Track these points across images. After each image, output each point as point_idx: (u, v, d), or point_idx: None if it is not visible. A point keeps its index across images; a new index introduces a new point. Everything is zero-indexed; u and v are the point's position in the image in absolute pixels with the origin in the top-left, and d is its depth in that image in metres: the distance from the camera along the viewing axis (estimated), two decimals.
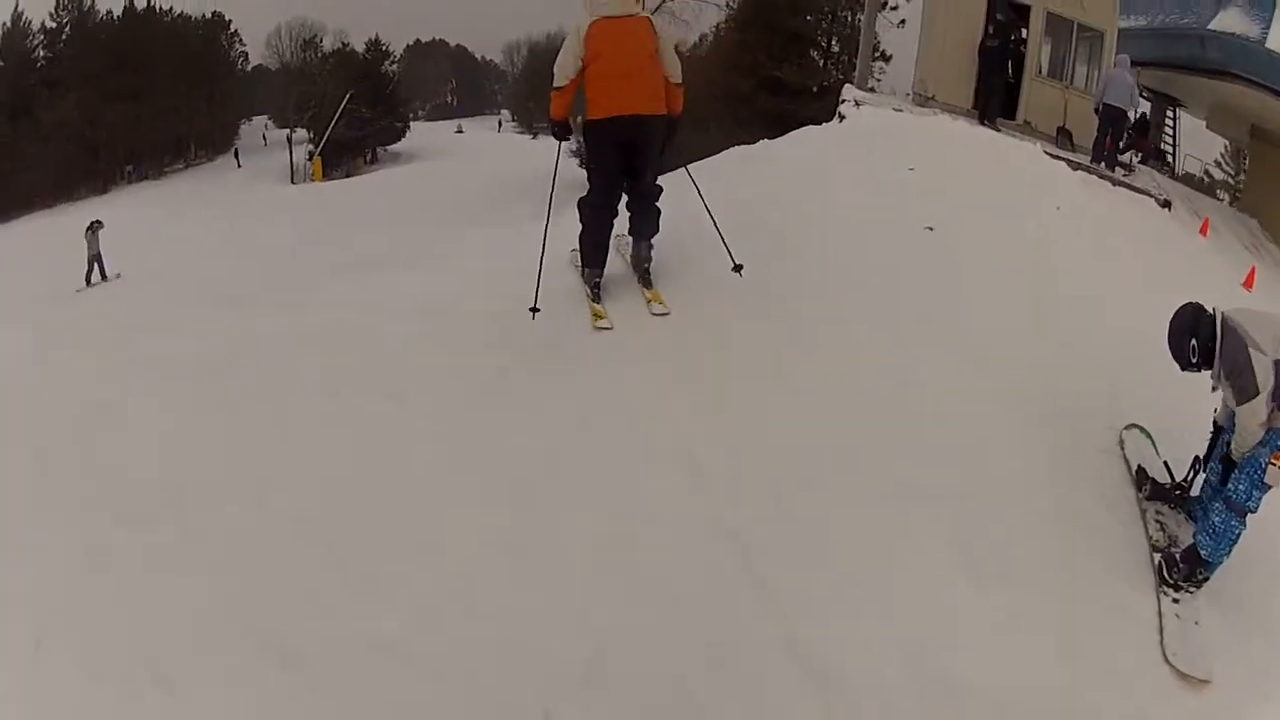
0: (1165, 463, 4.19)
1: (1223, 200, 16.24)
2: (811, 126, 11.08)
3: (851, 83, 17.56)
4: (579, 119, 4.82)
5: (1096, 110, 11.03)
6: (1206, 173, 22.16)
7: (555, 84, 4.62)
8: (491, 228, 12.00)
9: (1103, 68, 12.14)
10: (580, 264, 5.06)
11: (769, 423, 4.29)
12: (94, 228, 15.53)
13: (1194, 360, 3.73)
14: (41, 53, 32.22)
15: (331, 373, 5.01)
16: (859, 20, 20.74)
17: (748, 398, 4.42)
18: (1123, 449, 4.28)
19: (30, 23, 32.13)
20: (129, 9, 33.10)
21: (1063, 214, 7.73)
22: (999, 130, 10.98)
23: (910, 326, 5.05)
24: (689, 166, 5.50)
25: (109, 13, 32.75)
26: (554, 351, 4.72)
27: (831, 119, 15.30)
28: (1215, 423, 3.94)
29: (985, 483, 4.01)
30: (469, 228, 13.62)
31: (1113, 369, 4.82)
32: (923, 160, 7.86)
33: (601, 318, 4.81)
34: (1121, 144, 10.99)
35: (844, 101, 11.16)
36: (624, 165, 4.67)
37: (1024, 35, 11.94)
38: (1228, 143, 19.89)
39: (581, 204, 4.89)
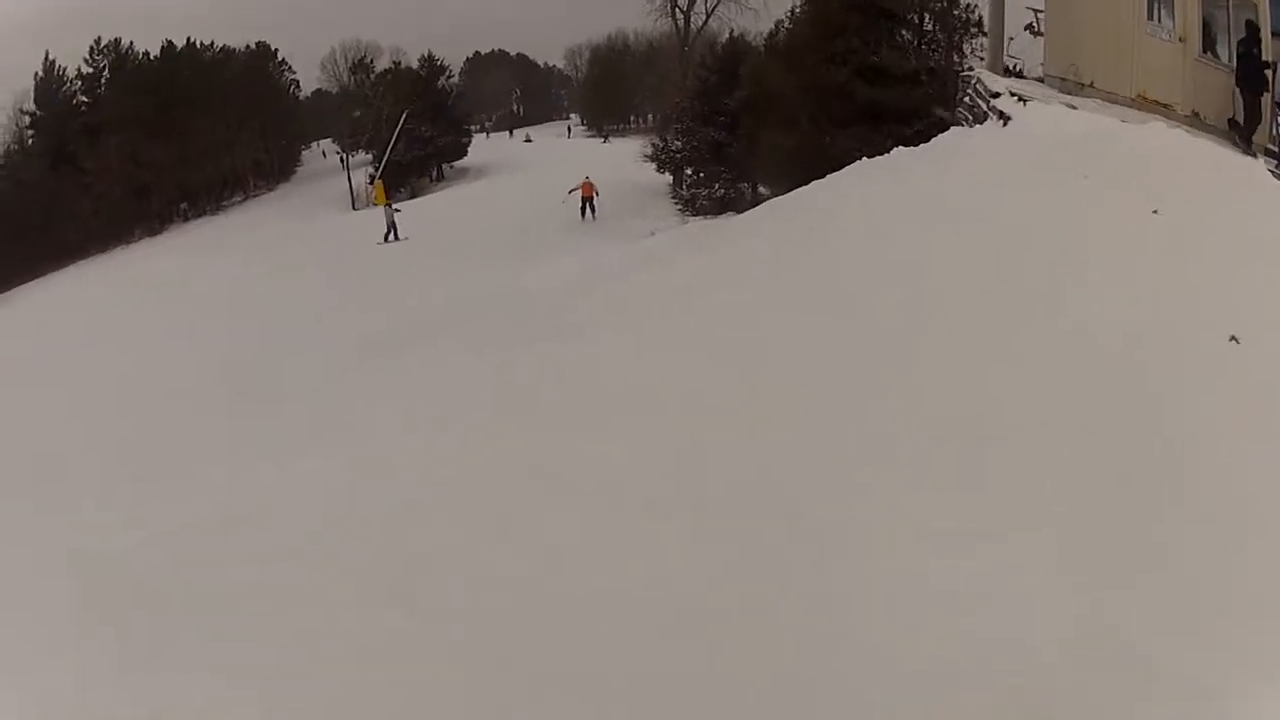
0: None
1: None
2: (960, 130, 9.20)
3: (963, 67, 15.48)
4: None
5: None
6: None
7: (571, 189, 23.06)
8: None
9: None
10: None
11: None
12: (392, 208, 23.36)
13: None
14: (81, 98, 31.52)
15: None
16: None
17: None
18: None
19: (65, 70, 31.38)
20: (167, 48, 32.38)
21: None
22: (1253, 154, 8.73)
23: None
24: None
25: (145, 53, 32.07)
26: None
27: (948, 111, 13.21)
28: None
29: None
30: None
31: None
32: (1155, 194, 5.99)
33: None
34: None
35: (996, 95, 9.12)
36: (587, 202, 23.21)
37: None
38: None
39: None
